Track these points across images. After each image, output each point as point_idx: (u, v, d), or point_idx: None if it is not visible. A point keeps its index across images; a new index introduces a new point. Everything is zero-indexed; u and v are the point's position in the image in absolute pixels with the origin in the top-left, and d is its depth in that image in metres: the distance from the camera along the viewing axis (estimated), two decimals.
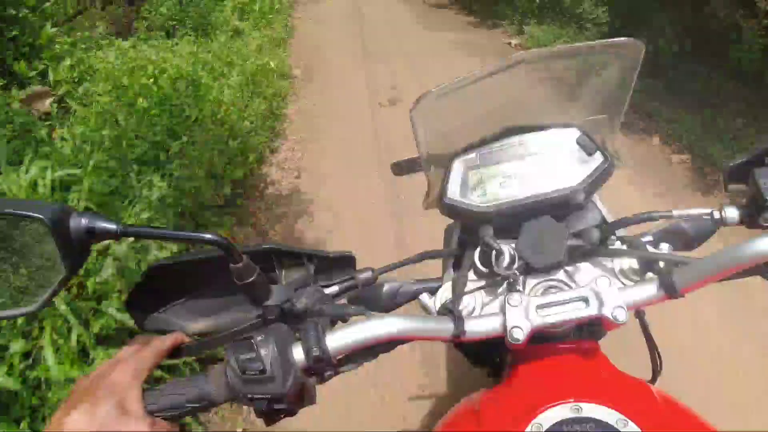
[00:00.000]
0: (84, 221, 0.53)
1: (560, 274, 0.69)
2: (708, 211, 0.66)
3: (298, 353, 0.58)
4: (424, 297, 0.71)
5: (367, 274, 0.67)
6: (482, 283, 0.69)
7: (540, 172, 0.70)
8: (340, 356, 0.59)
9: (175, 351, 0.67)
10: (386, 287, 0.77)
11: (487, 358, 0.89)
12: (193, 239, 0.55)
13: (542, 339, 0.67)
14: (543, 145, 0.71)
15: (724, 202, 0.68)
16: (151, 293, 0.70)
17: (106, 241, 0.56)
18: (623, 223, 0.68)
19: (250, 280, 0.58)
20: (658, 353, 0.82)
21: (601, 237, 0.65)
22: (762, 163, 0.66)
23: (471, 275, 0.71)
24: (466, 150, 0.71)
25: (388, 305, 0.78)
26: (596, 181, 0.69)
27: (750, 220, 0.64)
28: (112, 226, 0.53)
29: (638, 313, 0.81)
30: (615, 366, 0.66)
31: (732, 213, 0.64)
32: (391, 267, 0.70)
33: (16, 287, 0.57)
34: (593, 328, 0.69)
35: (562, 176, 0.69)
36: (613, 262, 0.68)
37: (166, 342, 0.65)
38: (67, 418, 0.56)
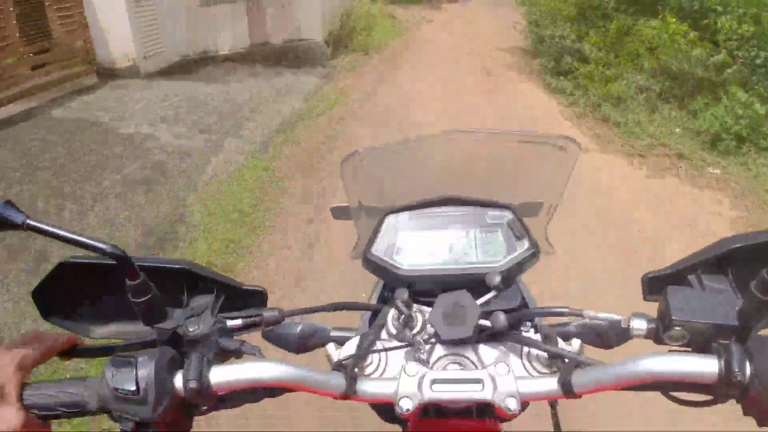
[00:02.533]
0: None
1: (469, 351, 0.68)
2: (617, 318, 0.66)
3: (178, 381, 0.57)
4: (331, 347, 0.70)
5: (274, 313, 0.67)
6: (391, 344, 0.69)
7: (467, 247, 0.71)
8: (222, 393, 0.58)
9: (68, 351, 0.66)
10: (300, 328, 0.76)
11: (398, 418, 0.88)
12: (93, 247, 0.55)
13: (443, 412, 0.66)
14: (476, 221, 0.72)
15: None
16: (61, 288, 0.69)
17: None
18: (532, 313, 0.68)
19: (144, 299, 0.58)
20: None
21: (510, 322, 0.65)
22: (678, 280, 0.66)
23: (384, 334, 0.70)
24: (401, 209, 0.72)
25: (300, 347, 0.77)
26: (518, 266, 0.69)
27: (656, 335, 0.64)
28: (18, 218, 0.53)
29: (553, 406, 0.81)
30: None
31: (639, 324, 0.65)
32: (301, 311, 0.69)
33: None
34: (490, 407, 0.68)
35: (487, 255, 0.70)
36: (522, 348, 0.68)
37: (59, 340, 0.64)
38: None
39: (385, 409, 0.87)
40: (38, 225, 0.54)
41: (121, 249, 0.56)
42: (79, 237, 0.55)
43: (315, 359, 0.79)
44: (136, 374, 0.55)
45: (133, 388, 0.54)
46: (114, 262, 0.65)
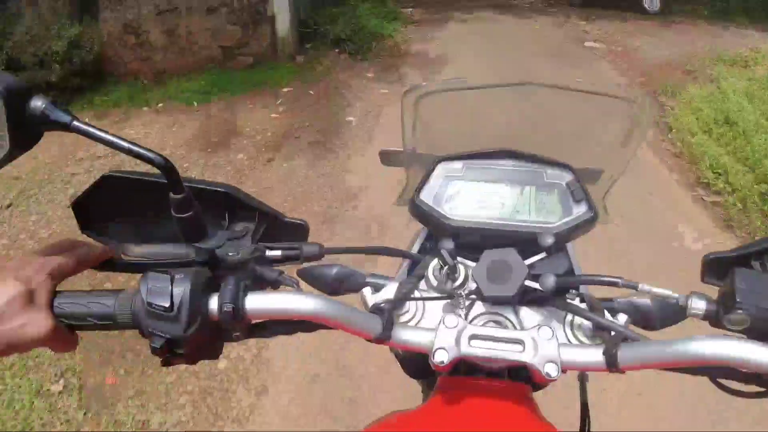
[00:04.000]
0: (41, 104, 0.52)
1: (509, 311, 0.66)
2: (675, 295, 0.62)
3: (213, 303, 0.56)
4: (367, 291, 0.68)
5: (314, 249, 0.65)
6: (429, 294, 0.67)
7: (520, 204, 0.67)
8: (257, 321, 0.57)
9: (103, 265, 0.65)
10: (336, 270, 0.74)
11: (423, 373, 0.86)
12: (139, 154, 0.53)
13: (473, 370, 0.64)
14: (533, 178, 0.68)
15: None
16: (102, 202, 0.68)
17: None
18: (584, 280, 0.65)
19: (187, 214, 0.56)
20: (588, 420, 0.79)
21: (557, 287, 0.62)
22: (744, 263, 0.62)
23: (423, 284, 0.68)
24: (454, 157, 0.68)
25: (334, 288, 0.76)
26: (573, 229, 0.66)
27: (714, 318, 0.60)
28: (65, 117, 0.52)
29: (581, 374, 0.78)
30: (542, 416, 0.64)
31: (698, 305, 0.61)
32: (342, 250, 0.67)
33: None
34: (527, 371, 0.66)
35: (540, 215, 0.66)
36: (566, 315, 0.65)
37: (95, 252, 0.64)
38: None
39: (411, 362, 0.85)
40: (85, 127, 0.53)
41: (168, 160, 0.54)
42: (126, 143, 0.53)
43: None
44: (171, 290, 0.53)
45: (167, 304, 0.53)
46: (157, 180, 0.64)
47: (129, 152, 0.53)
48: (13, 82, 0.51)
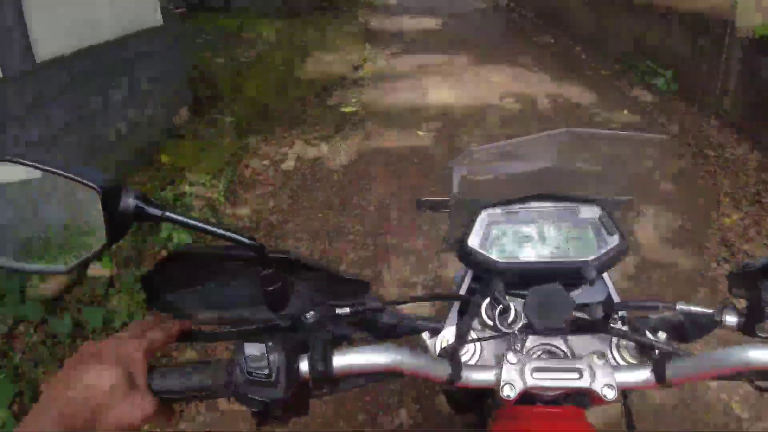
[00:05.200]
0: (133, 200, 0.56)
1: (559, 341, 0.71)
2: (710, 311, 0.69)
3: (303, 365, 0.60)
4: (426, 336, 0.74)
5: (377, 303, 0.70)
6: (485, 333, 0.72)
7: (559, 241, 0.73)
8: (341, 375, 0.62)
9: (184, 335, 0.69)
10: (388, 315, 0.80)
11: (471, 407, 0.91)
12: (233, 239, 0.58)
13: (529, 399, 0.69)
14: (568, 216, 0.74)
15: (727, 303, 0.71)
16: (168, 276, 0.72)
17: None
18: (627, 306, 0.71)
19: (274, 287, 0.61)
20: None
21: (603, 314, 0.68)
22: (765, 276, 0.69)
23: (474, 324, 0.73)
24: (495, 204, 0.74)
25: (387, 332, 0.81)
26: (609, 260, 0.72)
27: (747, 328, 0.67)
28: (156, 211, 0.56)
29: (623, 393, 0.84)
30: None
31: (731, 317, 0.68)
32: (401, 302, 0.73)
33: (55, 244, 0.60)
34: (581, 396, 0.71)
35: (578, 249, 0.73)
36: (612, 339, 0.71)
37: (176, 325, 0.67)
38: (71, 380, 0.56)
39: (462, 397, 0.90)
40: (177, 217, 0.57)
41: (258, 242, 0.58)
42: (219, 229, 0.57)
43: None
44: (268, 358, 0.58)
45: (267, 371, 0.57)
46: (223, 253, 0.68)
47: (223, 237, 0.57)
48: (107, 181, 0.55)
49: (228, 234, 0.58)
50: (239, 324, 0.70)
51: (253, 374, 0.57)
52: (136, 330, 0.66)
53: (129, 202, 0.56)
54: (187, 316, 0.74)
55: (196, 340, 0.70)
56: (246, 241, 0.58)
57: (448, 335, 0.72)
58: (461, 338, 0.69)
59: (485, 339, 0.71)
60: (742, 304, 0.70)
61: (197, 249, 0.70)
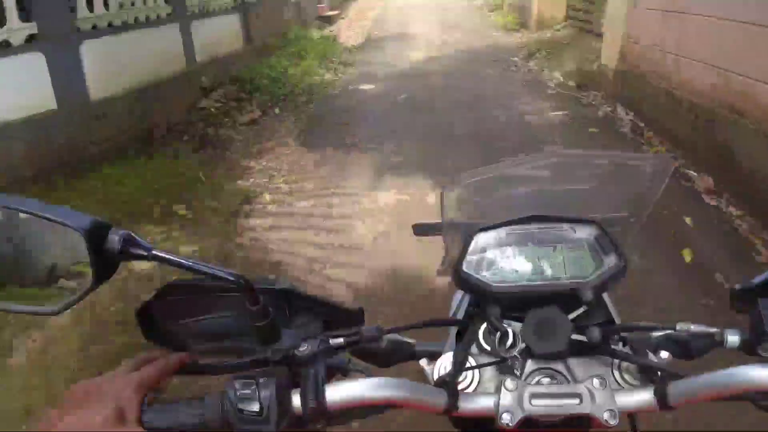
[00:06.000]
0: (118, 240, 0.56)
1: (559, 365, 0.70)
2: (711, 331, 0.67)
3: (295, 399, 0.60)
4: (424, 363, 0.73)
5: (372, 332, 0.69)
6: (482, 359, 0.71)
7: (555, 263, 0.72)
8: (335, 409, 0.61)
9: (183, 369, 0.69)
10: (387, 341, 0.79)
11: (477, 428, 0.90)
12: (217, 276, 0.57)
13: (532, 423, 0.68)
14: (563, 237, 0.73)
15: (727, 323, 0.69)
16: (164, 308, 0.72)
17: None
18: (626, 327, 0.70)
19: (263, 323, 0.60)
20: None
21: (603, 336, 0.67)
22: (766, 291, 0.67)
23: (473, 349, 0.72)
24: (489, 227, 0.74)
25: (385, 359, 0.80)
26: (607, 280, 0.71)
27: (749, 347, 0.65)
28: (143, 251, 0.56)
29: (630, 415, 0.82)
30: None
31: (733, 337, 0.66)
32: (396, 329, 0.72)
33: (43, 286, 0.60)
34: (584, 419, 0.70)
35: (575, 270, 0.71)
36: (613, 361, 0.70)
37: (173, 360, 0.67)
38: (61, 421, 0.56)
39: (465, 422, 0.89)
40: (164, 255, 0.57)
41: (245, 277, 0.58)
42: (203, 266, 0.57)
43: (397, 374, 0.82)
44: (259, 394, 0.57)
45: (257, 408, 0.57)
46: (219, 284, 0.68)
47: (210, 275, 0.57)
48: (92, 221, 0.56)
49: (215, 271, 0.57)
50: (234, 354, 0.69)
51: (244, 411, 0.57)
52: (131, 366, 0.66)
53: (114, 243, 0.56)
54: (186, 349, 0.73)
55: (196, 373, 0.69)
56: (231, 278, 0.57)
57: (446, 361, 0.71)
58: (458, 366, 0.68)
59: (483, 366, 0.70)
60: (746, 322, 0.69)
61: (192, 282, 0.70)
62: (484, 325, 0.72)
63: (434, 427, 0.85)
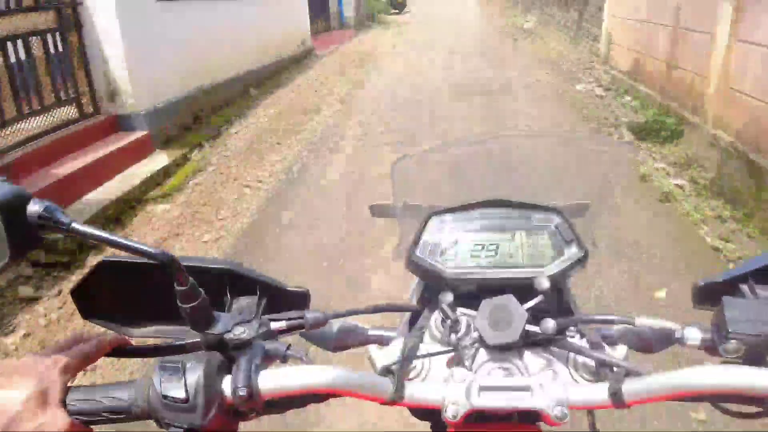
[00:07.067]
0: (38, 209, 0.52)
1: (513, 356, 0.67)
2: (671, 327, 0.65)
3: (227, 387, 0.56)
4: (373, 348, 0.69)
5: (317, 316, 0.66)
6: (434, 348, 0.68)
7: (513, 250, 0.69)
8: (269, 398, 0.58)
9: (117, 351, 0.66)
10: (338, 326, 0.76)
11: (432, 415, 0.87)
12: (140, 251, 0.54)
13: (483, 416, 0.65)
14: (522, 223, 0.70)
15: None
16: (101, 288, 0.69)
17: None
18: (583, 320, 0.67)
19: (192, 304, 0.57)
20: None
21: (558, 329, 0.64)
22: (733, 289, 0.65)
23: (426, 337, 0.69)
24: (445, 211, 0.70)
25: (337, 345, 0.77)
26: (566, 270, 0.68)
27: (710, 347, 0.63)
28: (64, 220, 0.53)
29: (590, 412, 0.80)
30: None
31: (694, 335, 0.63)
32: (344, 314, 0.68)
33: None
34: (532, 415, 0.68)
35: (534, 258, 0.68)
36: (569, 355, 0.67)
37: (105, 341, 0.64)
38: None
39: (420, 411, 0.86)
40: (83, 228, 0.53)
41: (170, 254, 0.55)
42: (126, 241, 0.54)
43: (351, 359, 0.77)
44: (185, 381, 0.54)
45: (183, 395, 0.53)
46: (155, 263, 0.64)
47: (129, 249, 0.53)
48: (10, 190, 0.52)
49: (137, 246, 0.54)
50: (174, 337, 0.66)
51: (169, 398, 0.54)
52: (59, 346, 0.62)
53: (34, 210, 0.52)
54: (123, 330, 0.70)
55: (127, 356, 0.66)
56: (155, 253, 0.54)
57: (394, 349, 0.68)
58: (407, 354, 0.65)
59: (433, 355, 0.67)
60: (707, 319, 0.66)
61: (128, 258, 0.66)
62: (437, 313, 0.69)
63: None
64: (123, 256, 0.67)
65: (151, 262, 0.65)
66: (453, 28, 13.85)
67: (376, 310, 0.70)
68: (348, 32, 14.66)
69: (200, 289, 0.57)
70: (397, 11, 20.12)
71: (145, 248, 0.54)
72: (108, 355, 0.65)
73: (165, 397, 0.54)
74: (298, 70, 9.58)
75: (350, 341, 0.77)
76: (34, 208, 0.52)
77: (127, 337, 0.68)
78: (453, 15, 17.08)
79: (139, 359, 0.73)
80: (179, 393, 0.53)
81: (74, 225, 0.53)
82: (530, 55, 10.15)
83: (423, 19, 17.11)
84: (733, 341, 0.58)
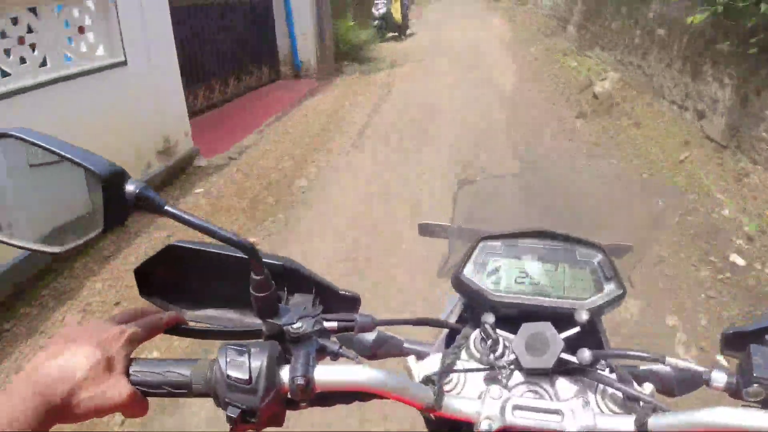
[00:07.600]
0: (135, 189, 0.56)
1: (545, 382, 0.71)
2: (699, 369, 0.68)
3: (285, 375, 0.60)
4: (411, 360, 0.73)
5: (367, 320, 0.69)
6: (470, 365, 0.71)
7: (555, 281, 0.73)
8: (321, 390, 0.61)
9: (172, 329, 0.69)
10: (376, 334, 0.79)
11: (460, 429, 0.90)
12: (228, 240, 0.58)
13: None
14: (567, 256, 0.74)
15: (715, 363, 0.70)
16: (163, 270, 0.72)
17: None
18: (616, 354, 0.71)
19: (265, 294, 0.60)
20: None
21: (592, 360, 0.68)
22: (760, 338, 0.68)
23: (462, 354, 0.73)
24: (495, 236, 0.74)
25: (373, 352, 0.80)
26: (604, 305, 0.71)
27: (734, 390, 0.66)
28: (158, 202, 0.57)
29: None
30: None
31: (719, 378, 0.67)
32: (392, 322, 0.72)
33: (55, 227, 0.60)
34: None
35: (574, 291, 0.72)
36: (597, 386, 0.70)
37: (164, 317, 0.67)
38: (50, 358, 0.57)
39: (439, 427, 0.89)
40: (175, 212, 0.57)
41: (251, 244, 0.58)
42: (213, 227, 0.57)
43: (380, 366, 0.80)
44: (249, 364, 0.57)
45: (246, 377, 0.57)
46: (219, 252, 0.68)
47: (218, 237, 0.57)
48: (111, 168, 0.56)
49: (224, 234, 0.58)
50: (228, 324, 0.70)
51: (232, 378, 0.57)
52: (122, 317, 0.66)
53: (131, 191, 0.56)
54: (178, 311, 0.74)
55: (185, 335, 0.70)
56: (240, 242, 0.58)
57: (433, 361, 0.71)
58: (447, 366, 0.69)
59: (471, 371, 0.70)
60: (732, 365, 0.69)
61: (195, 245, 0.70)
62: (477, 332, 0.72)
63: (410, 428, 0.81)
64: (190, 242, 0.71)
65: (214, 251, 0.69)
66: (471, 74, 9.24)
67: (420, 322, 0.74)
68: (303, 86, 9.05)
69: (273, 281, 0.61)
70: (395, 34, 14.57)
71: (230, 236, 0.58)
72: (167, 332, 0.68)
73: (229, 377, 0.57)
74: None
75: (385, 350, 0.80)
76: (130, 188, 0.56)
77: (182, 317, 0.71)
78: (473, 43, 12.39)
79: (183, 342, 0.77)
80: (243, 374, 0.57)
81: (167, 207, 0.57)
82: (623, 176, 4.65)
83: (429, 49, 12.45)
84: (755, 386, 0.61)
